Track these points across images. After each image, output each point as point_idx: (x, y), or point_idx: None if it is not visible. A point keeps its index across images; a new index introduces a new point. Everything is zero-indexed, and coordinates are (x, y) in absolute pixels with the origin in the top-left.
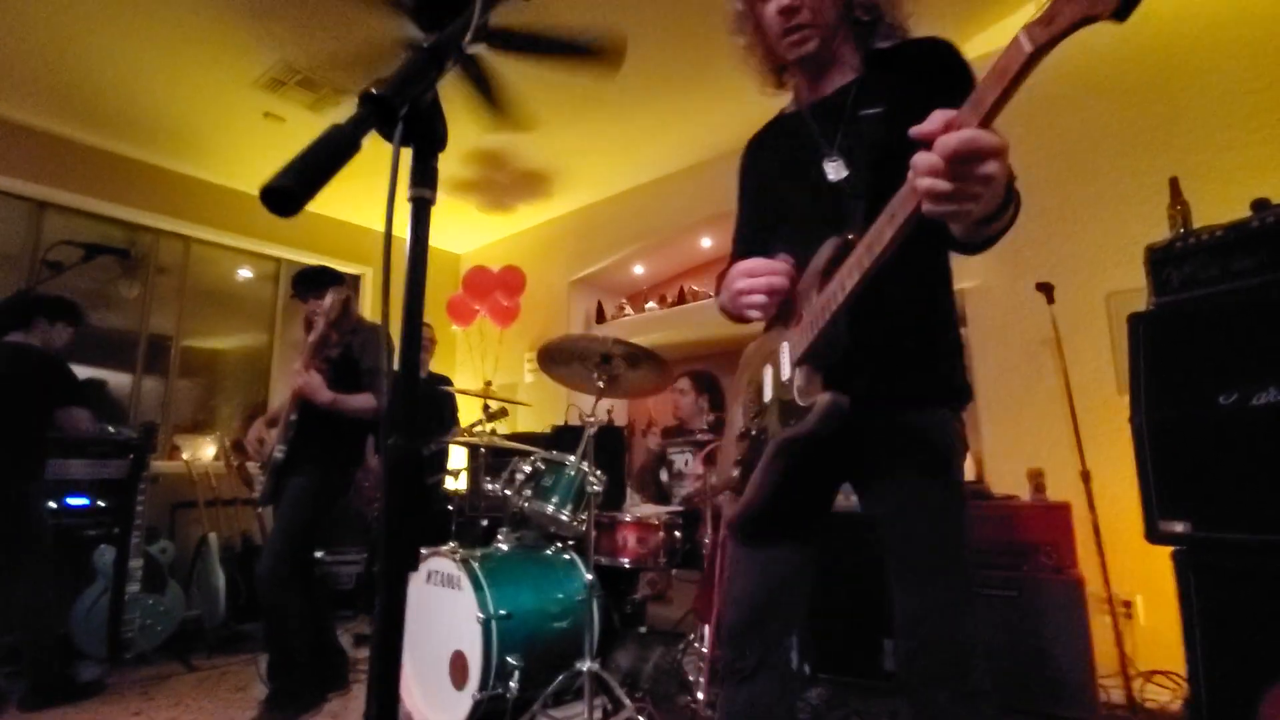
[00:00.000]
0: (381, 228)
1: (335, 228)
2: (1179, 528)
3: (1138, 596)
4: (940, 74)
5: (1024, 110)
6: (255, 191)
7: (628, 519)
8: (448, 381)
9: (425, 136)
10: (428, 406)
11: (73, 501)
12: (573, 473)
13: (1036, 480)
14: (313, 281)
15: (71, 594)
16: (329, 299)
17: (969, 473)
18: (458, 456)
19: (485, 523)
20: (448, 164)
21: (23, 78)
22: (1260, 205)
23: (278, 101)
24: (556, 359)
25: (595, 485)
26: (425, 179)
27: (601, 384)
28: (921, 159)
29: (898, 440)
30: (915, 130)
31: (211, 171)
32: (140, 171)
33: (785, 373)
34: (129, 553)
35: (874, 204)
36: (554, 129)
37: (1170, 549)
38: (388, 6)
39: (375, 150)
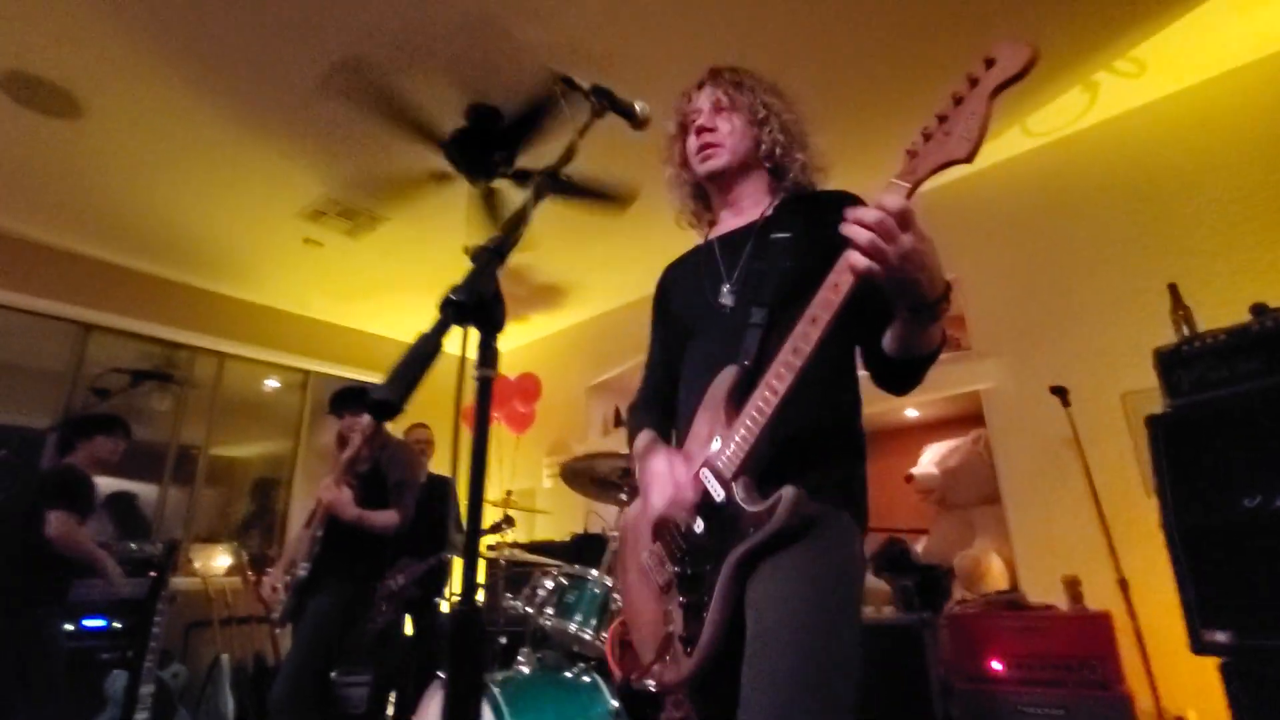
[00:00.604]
0: (392, 336)
1: (361, 339)
2: (1222, 637)
3: (1190, 711)
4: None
5: (1024, 217)
6: (291, 309)
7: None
8: (448, 483)
9: (490, 322)
10: (430, 513)
11: (89, 624)
12: (596, 589)
13: (1073, 588)
14: (351, 399)
15: None
16: (366, 417)
17: (1002, 581)
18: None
19: (504, 640)
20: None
21: (75, 209)
22: (1258, 310)
23: (317, 229)
24: (579, 473)
25: (620, 602)
26: (489, 360)
27: (624, 496)
28: (854, 224)
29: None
30: (850, 212)
31: (249, 291)
32: (180, 293)
33: (719, 494)
34: (140, 679)
35: (770, 328)
36: (570, 246)
37: (1217, 659)
38: (425, 142)
39: (400, 266)
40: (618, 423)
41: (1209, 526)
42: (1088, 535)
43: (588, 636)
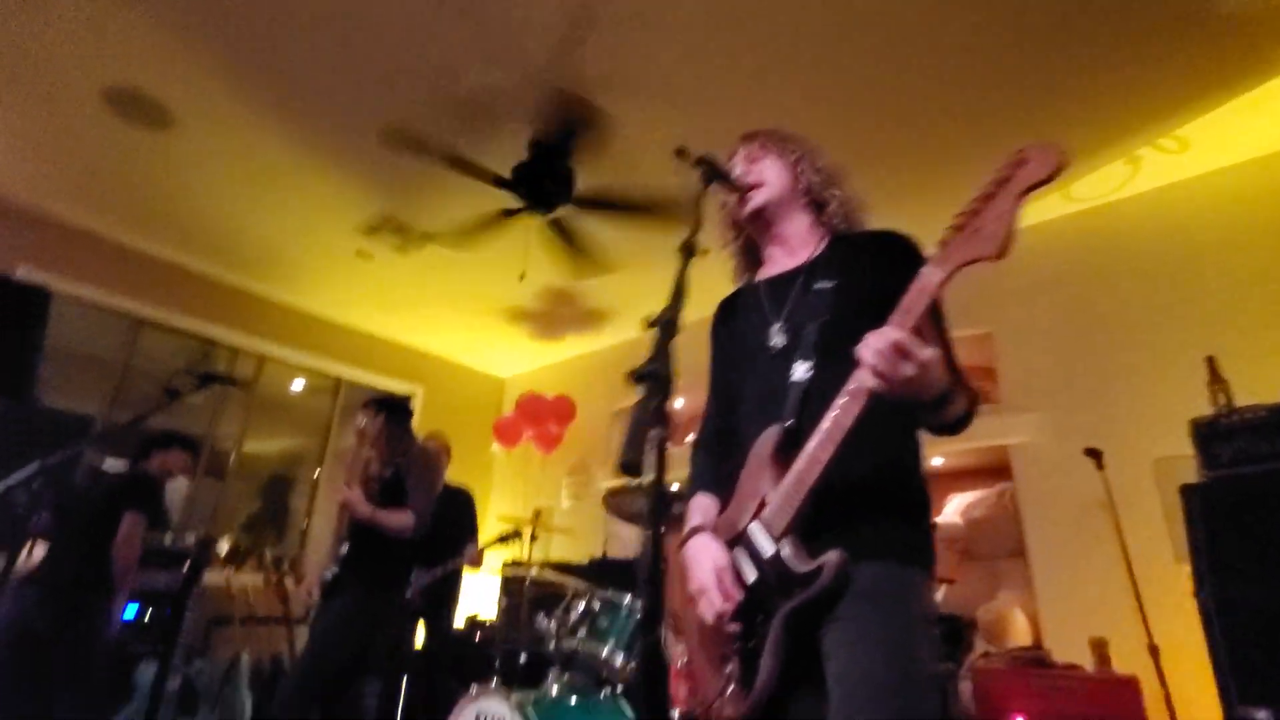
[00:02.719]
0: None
1: (389, 348)
2: (1260, 715)
3: None
4: (891, 264)
5: (1062, 278)
6: (332, 316)
7: (679, 665)
8: (465, 494)
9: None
10: (445, 523)
11: (124, 615)
12: (630, 613)
13: (1100, 650)
14: (378, 402)
15: (108, 713)
16: (375, 419)
17: (1025, 637)
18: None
19: (524, 658)
20: (514, 295)
21: (153, 213)
22: None
23: (370, 242)
24: (628, 499)
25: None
26: (661, 419)
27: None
28: (865, 347)
29: (855, 586)
30: (868, 337)
31: (296, 295)
32: (228, 294)
33: (767, 550)
34: (169, 672)
35: (811, 385)
36: (623, 273)
37: None
38: (493, 186)
39: (442, 284)
40: None
41: (1247, 600)
42: (1114, 598)
43: (619, 662)
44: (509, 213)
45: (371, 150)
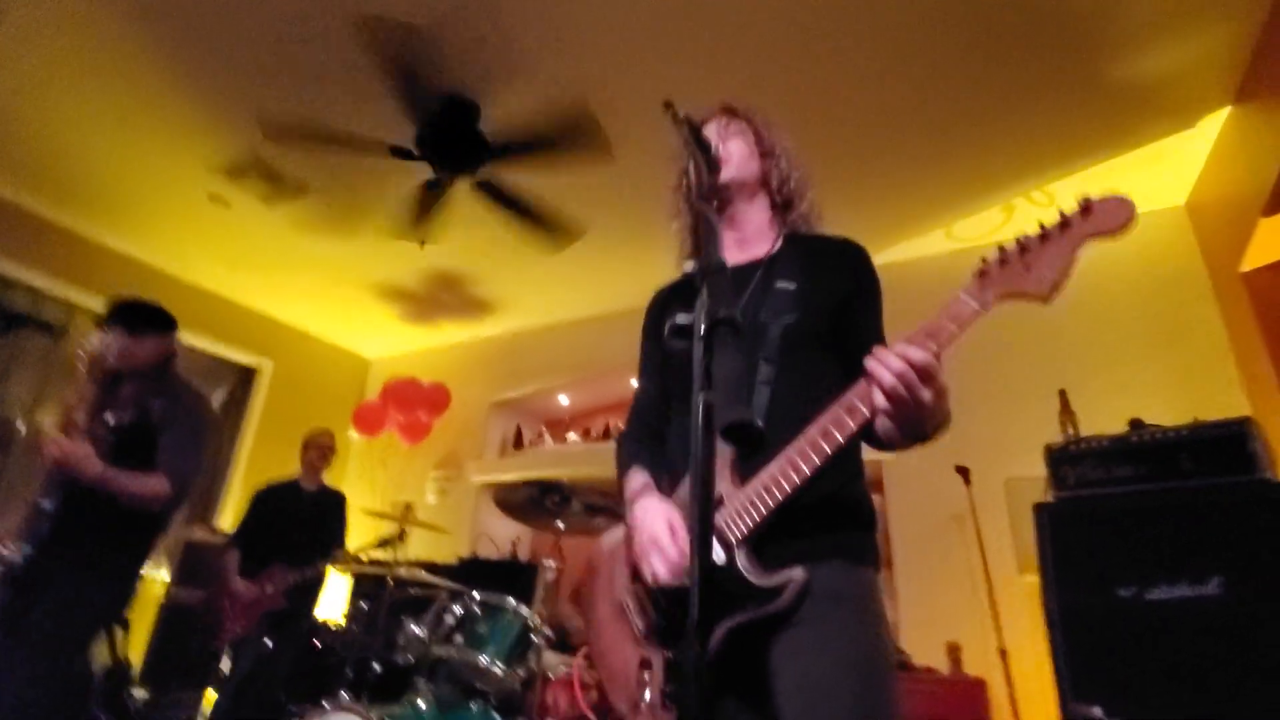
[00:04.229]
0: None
1: (235, 312)
2: (1094, 712)
3: None
4: (852, 273)
5: (936, 309)
6: (170, 267)
7: (556, 675)
8: (340, 496)
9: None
10: (316, 523)
11: None
12: (512, 618)
13: (955, 654)
14: (137, 316)
15: None
16: (115, 338)
17: None
18: (335, 585)
19: (377, 668)
20: (392, 269)
21: None
22: (1136, 424)
23: (230, 187)
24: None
25: (539, 638)
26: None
27: (562, 525)
28: (879, 366)
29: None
30: (880, 352)
31: (124, 237)
32: (38, 225)
33: (719, 557)
34: None
35: (781, 375)
36: (509, 261)
37: None
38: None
39: (291, 234)
40: (518, 444)
41: (1086, 609)
42: (969, 605)
43: (499, 672)
44: (433, 185)
45: (245, 68)
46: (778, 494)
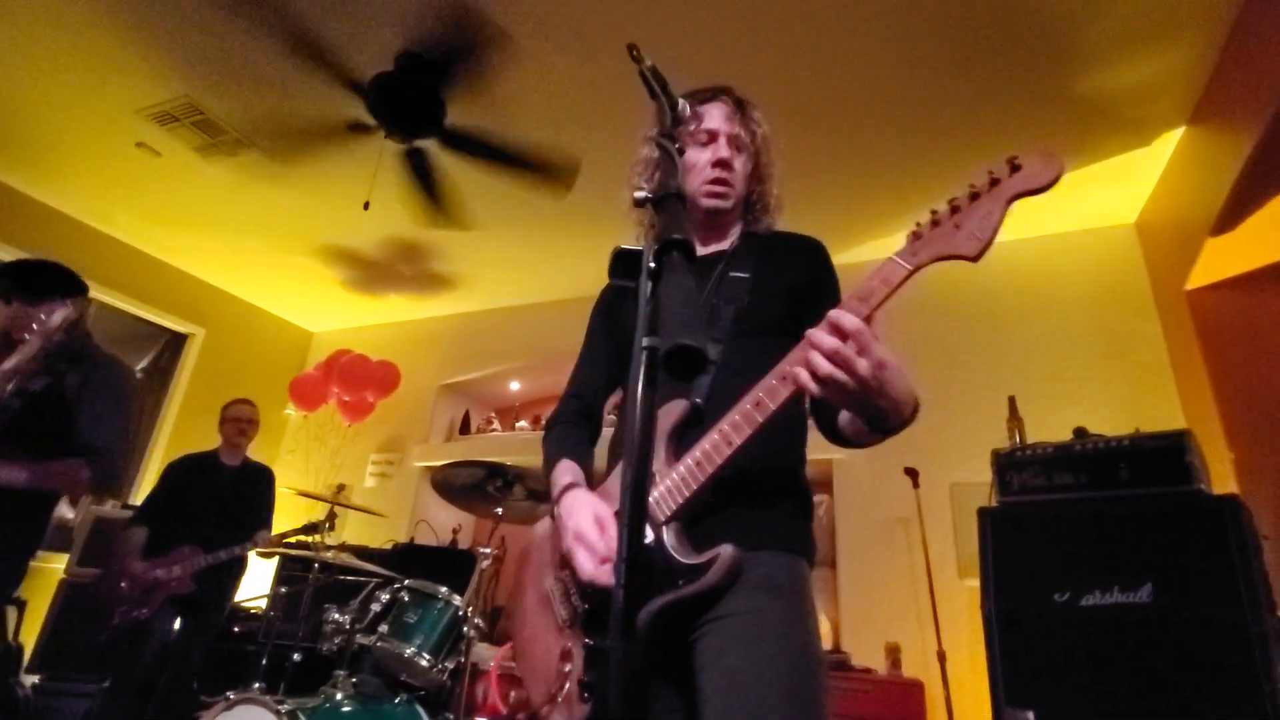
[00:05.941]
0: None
1: (164, 273)
2: (1024, 716)
3: None
4: (809, 266)
5: (892, 319)
6: (91, 220)
7: (491, 667)
8: (267, 473)
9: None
10: (237, 502)
11: None
12: (443, 608)
13: (894, 655)
14: (39, 281)
15: None
16: (58, 313)
17: (826, 640)
18: (259, 567)
19: (297, 657)
20: (341, 235)
21: None
22: (1080, 433)
23: (161, 135)
24: (452, 481)
25: (472, 630)
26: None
27: (500, 510)
28: (815, 332)
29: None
30: (810, 334)
31: (40, 185)
32: None
33: (647, 537)
34: None
35: (723, 366)
36: (473, 236)
37: None
38: (344, 90)
39: (228, 190)
40: (465, 429)
41: (1022, 614)
42: (910, 606)
43: (424, 664)
44: (357, 127)
45: (186, 6)
46: (708, 467)
